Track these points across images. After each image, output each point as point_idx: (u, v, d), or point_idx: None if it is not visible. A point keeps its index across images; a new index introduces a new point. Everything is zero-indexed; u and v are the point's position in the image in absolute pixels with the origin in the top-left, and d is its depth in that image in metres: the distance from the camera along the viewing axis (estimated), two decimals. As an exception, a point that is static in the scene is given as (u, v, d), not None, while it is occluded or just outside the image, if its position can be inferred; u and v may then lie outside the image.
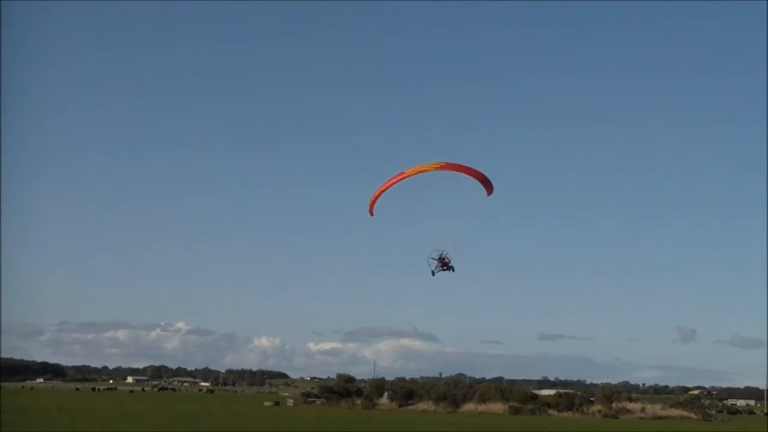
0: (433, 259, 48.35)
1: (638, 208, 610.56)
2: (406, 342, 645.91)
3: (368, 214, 47.24)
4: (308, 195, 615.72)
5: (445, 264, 48.50)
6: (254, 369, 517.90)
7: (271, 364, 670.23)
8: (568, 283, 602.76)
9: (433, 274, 48.70)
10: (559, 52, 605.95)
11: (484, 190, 48.01)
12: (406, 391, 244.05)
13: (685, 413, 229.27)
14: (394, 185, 46.85)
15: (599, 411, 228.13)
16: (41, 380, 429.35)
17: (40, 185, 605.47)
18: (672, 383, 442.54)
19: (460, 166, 47.43)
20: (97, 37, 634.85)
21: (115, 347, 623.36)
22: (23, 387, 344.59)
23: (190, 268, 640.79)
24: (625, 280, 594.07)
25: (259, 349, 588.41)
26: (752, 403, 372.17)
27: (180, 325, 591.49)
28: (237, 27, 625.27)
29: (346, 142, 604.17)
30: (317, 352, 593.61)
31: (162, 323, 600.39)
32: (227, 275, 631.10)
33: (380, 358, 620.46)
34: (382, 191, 47.21)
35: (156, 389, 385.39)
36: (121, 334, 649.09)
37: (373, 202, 47.91)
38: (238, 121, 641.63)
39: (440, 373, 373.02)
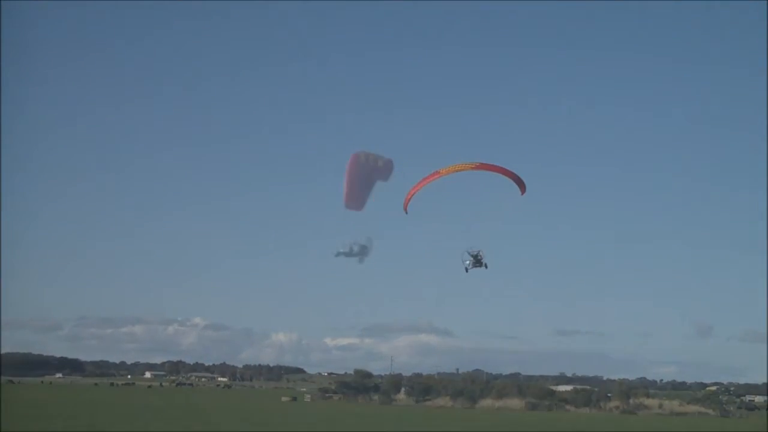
0: (468, 255, 49.26)
1: (655, 205, 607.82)
2: (422, 337, 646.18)
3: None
4: (323, 190, 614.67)
5: (478, 261, 49.40)
6: (271, 364, 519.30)
7: (288, 360, 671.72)
8: (584, 278, 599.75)
9: (466, 270, 49.68)
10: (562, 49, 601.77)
11: (517, 190, 48.76)
12: (424, 387, 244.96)
13: (702, 409, 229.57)
14: (429, 184, 47.53)
15: (617, 407, 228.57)
16: (60, 375, 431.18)
17: (60, 184, 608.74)
18: (689, 379, 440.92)
19: (495, 166, 48.18)
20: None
21: (132, 342, 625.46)
22: (42, 382, 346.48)
23: (207, 263, 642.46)
24: (642, 275, 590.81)
25: (276, 345, 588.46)
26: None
27: (197, 320, 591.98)
28: (239, 27, 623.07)
29: (350, 137, 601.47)
30: (334, 347, 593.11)
31: (179, 318, 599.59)
32: (244, 270, 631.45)
33: (397, 353, 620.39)
34: (418, 189, 47.90)
35: (174, 384, 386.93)
36: (139, 329, 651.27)
37: (408, 200, 48.61)
38: (256, 116, 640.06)
39: (457, 369, 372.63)
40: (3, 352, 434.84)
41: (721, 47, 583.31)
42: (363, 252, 47.90)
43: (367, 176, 46.43)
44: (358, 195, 46.58)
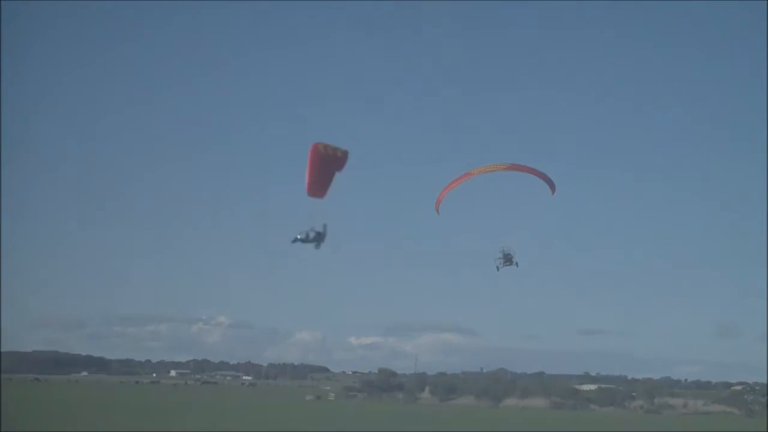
0: (499, 256, 50.19)
1: (679, 203, 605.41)
2: (446, 336, 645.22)
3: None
4: (349, 190, 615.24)
5: (509, 260, 50.31)
6: (296, 363, 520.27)
7: (312, 359, 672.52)
8: (609, 277, 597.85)
9: (498, 269, 50.67)
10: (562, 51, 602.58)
11: (548, 190, 49.63)
12: (448, 386, 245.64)
13: (727, 409, 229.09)
14: (460, 184, 48.35)
15: (641, 406, 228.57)
16: (86, 374, 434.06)
17: (82, 183, 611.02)
18: (714, 378, 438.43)
19: (527, 167, 49.03)
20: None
21: (157, 341, 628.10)
22: (68, 380, 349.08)
23: (231, 262, 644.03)
24: (666, 275, 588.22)
25: (300, 343, 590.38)
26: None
27: (222, 319, 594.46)
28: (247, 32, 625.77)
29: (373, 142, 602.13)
30: (358, 346, 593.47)
31: (204, 317, 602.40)
32: (268, 270, 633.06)
33: (421, 352, 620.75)
34: (449, 190, 48.78)
35: (199, 383, 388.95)
36: (164, 327, 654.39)
37: (440, 200, 49.55)
38: (274, 114, 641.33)
39: (481, 368, 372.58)
40: (30, 350, 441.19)
41: (721, 47, 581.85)
42: (318, 238, 49.24)
43: (327, 165, 47.93)
44: (319, 183, 48.04)
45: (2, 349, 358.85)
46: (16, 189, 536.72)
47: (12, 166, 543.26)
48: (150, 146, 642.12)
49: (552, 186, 49.62)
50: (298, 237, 48.75)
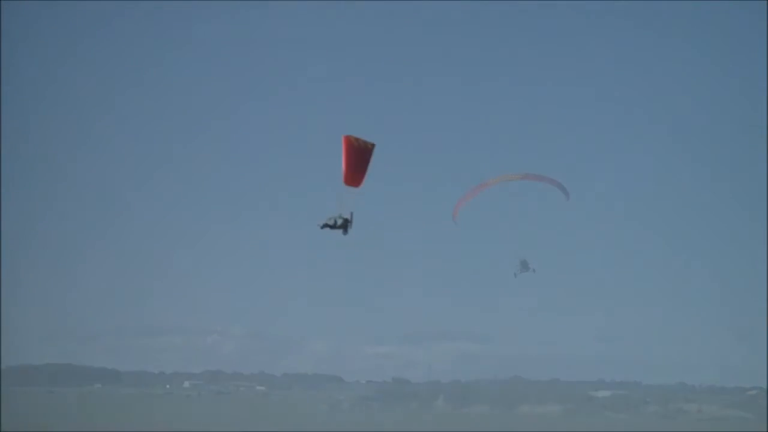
0: (519, 262, 50.75)
1: (693, 208, 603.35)
2: (460, 344, 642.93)
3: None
4: (363, 198, 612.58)
5: (526, 266, 50.81)
6: (309, 372, 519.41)
7: (326, 368, 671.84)
8: (621, 282, 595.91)
9: (515, 275, 51.27)
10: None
11: (562, 196, 50.08)
12: (462, 394, 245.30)
13: (743, 413, 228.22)
14: (477, 194, 48.77)
15: (656, 412, 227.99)
16: (99, 385, 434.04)
17: (98, 192, 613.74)
18: (729, 383, 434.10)
19: (539, 175, 49.50)
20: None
21: (171, 352, 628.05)
22: (81, 393, 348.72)
23: (245, 272, 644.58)
24: (680, 279, 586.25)
25: (314, 353, 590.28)
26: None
27: (235, 329, 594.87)
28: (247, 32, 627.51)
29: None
30: (372, 355, 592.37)
31: (218, 328, 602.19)
32: (281, 279, 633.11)
33: (435, 360, 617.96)
34: (466, 200, 49.22)
35: (212, 394, 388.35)
36: (178, 339, 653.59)
37: (457, 209, 50.00)
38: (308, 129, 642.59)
39: (495, 375, 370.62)
40: (42, 363, 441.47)
41: (721, 47, 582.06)
42: (345, 225, 50.47)
43: (360, 156, 49.65)
44: (355, 173, 49.25)
45: (15, 363, 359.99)
46: (23, 195, 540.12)
47: (15, 170, 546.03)
48: (159, 153, 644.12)
49: (566, 192, 50.05)
50: (326, 223, 49.97)
